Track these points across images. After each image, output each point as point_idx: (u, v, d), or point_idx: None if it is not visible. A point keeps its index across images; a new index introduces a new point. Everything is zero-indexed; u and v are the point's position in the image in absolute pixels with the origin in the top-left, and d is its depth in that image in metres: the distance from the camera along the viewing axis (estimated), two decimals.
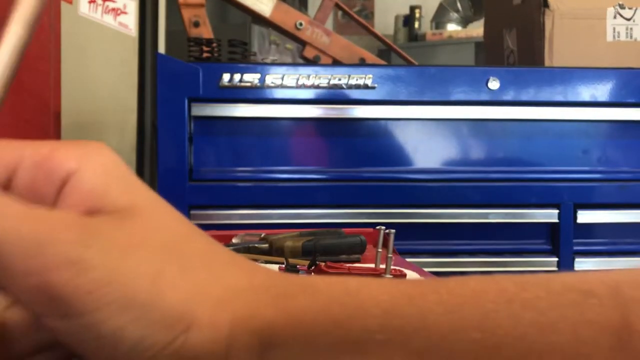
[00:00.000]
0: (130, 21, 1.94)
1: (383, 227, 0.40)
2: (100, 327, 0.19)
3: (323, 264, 0.39)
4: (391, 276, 0.38)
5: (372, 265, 0.40)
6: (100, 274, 0.19)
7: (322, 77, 1.41)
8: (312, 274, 0.38)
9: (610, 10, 1.58)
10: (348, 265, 0.40)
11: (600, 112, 1.47)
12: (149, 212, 0.23)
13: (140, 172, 2.03)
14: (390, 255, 0.38)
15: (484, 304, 0.21)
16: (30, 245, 0.18)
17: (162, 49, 2.14)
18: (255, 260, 0.72)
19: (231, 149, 1.43)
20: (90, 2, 1.74)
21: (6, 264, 0.18)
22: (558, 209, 1.44)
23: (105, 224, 0.21)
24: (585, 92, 1.45)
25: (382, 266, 0.39)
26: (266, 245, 0.78)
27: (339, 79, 1.41)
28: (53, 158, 0.22)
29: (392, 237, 0.39)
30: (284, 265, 0.38)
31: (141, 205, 0.23)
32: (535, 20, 1.58)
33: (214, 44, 1.48)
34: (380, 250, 0.41)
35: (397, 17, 4.19)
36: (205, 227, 1.10)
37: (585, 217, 1.44)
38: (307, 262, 0.39)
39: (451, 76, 1.44)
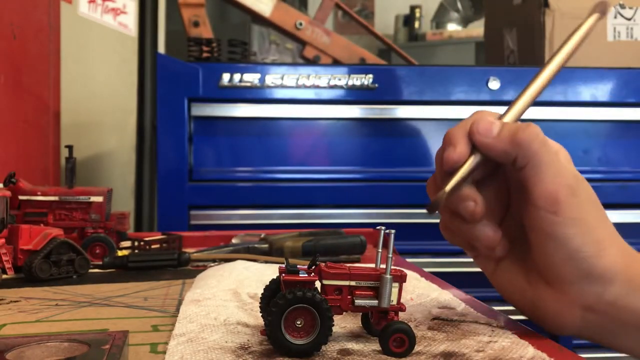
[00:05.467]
0: (129, 21, 1.94)
1: (383, 227, 0.40)
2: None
3: (323, 264, 0.38)
4: (391, 276, 0.38)
5: (373, 265, 0.40)
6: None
7: (322, 77, 1.41)
8: (312, 274, 0.38)
9: (611, 10, 1.57)
10: (348, 265, 0.39)
11: (601, 112, 1.47)
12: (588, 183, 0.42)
13: (139, 172, 2.02)
14: (390, 255, 0.38)
15: None
16: (558, 161, 0.41)
17: (161, 48, 2.14)
18: (255, 260, 0.72)
19: (231, 149, 1.43)
20: (89, 2, 1.74)
21: (544, 158, 0.40)
22: None
23: (581, 179, 0.41)
24: (586, 92, 1.45)
25: (382, 266, 0.39)
26: (266, 245, 0.78)
27: (339, 79, 1.41)
28: (550, 140, 0.43)
29: (392, 237, 0.38)
30: (284, 266, 0.38)
31: (584, 178, 0.42)
32: (536, 19, 1.57)
33: (214, 44, 1.47)
34: (380, 250, 0.40)
35: (397, 17, 4.19)
36: (205, 228, 1.10)
37: None
38: (307, 262, 0.39)
39: (451, 76, 1.44)
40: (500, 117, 0.44)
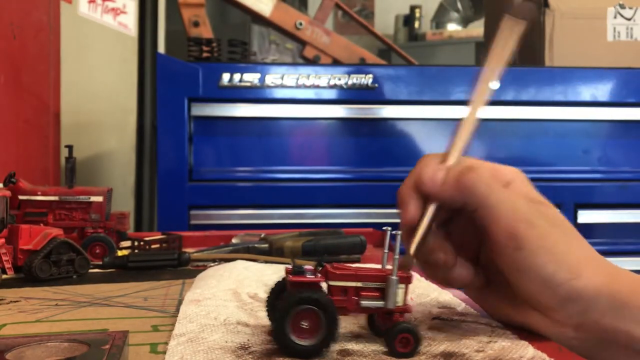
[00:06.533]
0: (129, 21, 1.94)
1: (389, 228, 0.40)
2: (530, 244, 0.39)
3: (329, 265, 0.39)
4: (397, 278, 0.38)
5: (379, 266, 0.40)
6: (543, 225, 0.40)
7: (322, 77, 1.41)
8: (319, 275, 0.38)
9: (611, 10, 1.57)
10: (354, 266, 0.39)
11: (601, 112, 1.47)
12: (554, 207, 0.42)
13: (140, 172, 2.02)
14: (396, 256, 0.38)
15: None
16: (508, 198, 0.40)
17: (161, 48, 2.14)
18: (255, 260, 0.72)
19: (231, 149, 1.43)
20: (89, 2, 1.74)
21: (492, 199, 0.40)
22: (558, 208, 1.43)
23: (540, 205, 0.41)
24: (586, 92, 1.45)
25: (388, 267, 0.39)
26: (266, 245, 0.78)
27: (339, 79, 1.41)
28: (501, 170, 0.42)
29: (398, 239, 0.38)
30: (290, 267, 0.38)
31: (548, 202, 0.42)
32: (536, 19, 1.57)
33: (214, 44, 1.48)
34: (386, 251, 0.40)
35: (397, 17, 4.19)
36: (205, 227, 1.10)
37: (585, 217, 1.44)
38: (313, 263, 0.39)
39: (451, 76, 1.44)
40: (444, 158, 0.43)
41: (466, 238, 0.44)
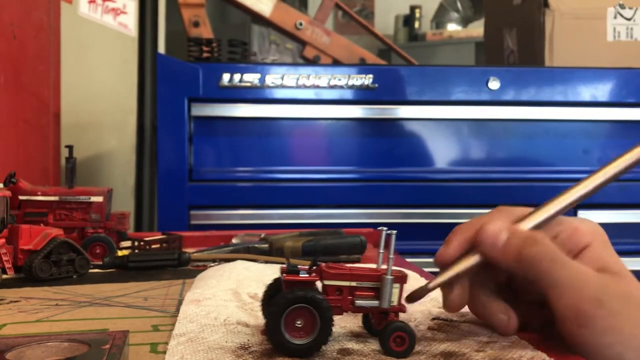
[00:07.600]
0: (130, 21, 1.94)
1: (385, 228, 0.40)
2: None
3: (324, 264, 0.39)
4: (392, 277, 0.38)
5: (374, 266, 0.40)
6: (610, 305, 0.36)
7: (322, 77, 1.41)
8: (313, 274, 0.38)
9: (611, 10, 1.57)
10: (349, 265, 0.39)
11: (601, 112, 1.47)
12: (629, 276, 0.39)
13: (140, 172, 2.02)
14: (391, 256, 0.38)
15: None
16: (575, 274, 0.37)
17: (161, 49, 2.14)
18: (255, 260, 0.72)
19: (231, 149, 1.43)
20: (89, 2, 1.74)
21: (556, 276, 0.37)
22: None
23: (611, 279, 0.38)
24: (586, 92, 1.45)
25: (384, 267, 0.39)
26: (266, 245, 0.78)
27: (339, 79, 1.41)
28: (580, 231, 0.40)
29: (393, 238, 0.38)
30: (285, 266, 0.38)
31: (624, 271, 0.39)
32: (536, 20, 1.57)
33: (214, 44, 1.47)
34: (382, 251, 0.40)
35: (397, 17, 4.19)
36: (205, 227, 1.10)
37: (585, 217, 1.43)
38: (308, 263, 0.39)
39: (451, 76, 1.44)
40: (518, 220, 0.40)
41: (528, 285, 0.42)
